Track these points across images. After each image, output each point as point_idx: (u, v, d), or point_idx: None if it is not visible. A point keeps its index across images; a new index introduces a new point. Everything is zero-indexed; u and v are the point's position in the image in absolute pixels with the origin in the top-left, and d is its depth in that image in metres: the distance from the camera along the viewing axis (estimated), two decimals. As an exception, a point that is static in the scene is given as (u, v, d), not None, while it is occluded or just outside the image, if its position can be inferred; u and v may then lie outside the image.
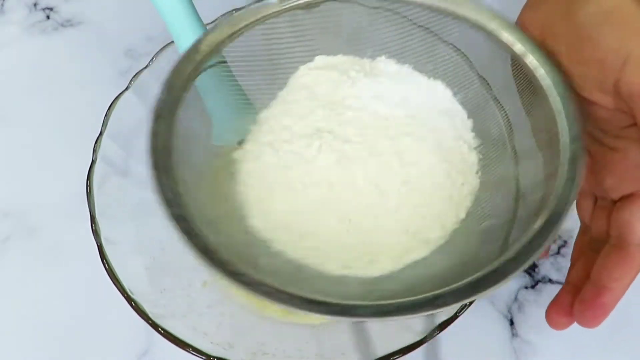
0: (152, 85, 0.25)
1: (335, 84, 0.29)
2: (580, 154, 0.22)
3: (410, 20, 0.28)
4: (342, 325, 0.29)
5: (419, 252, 0.25)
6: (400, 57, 0.29)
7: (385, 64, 0.30)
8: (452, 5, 0.27)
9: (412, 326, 0.26)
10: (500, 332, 0.32)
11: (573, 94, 0.24)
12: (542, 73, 0.24)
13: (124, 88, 0.31)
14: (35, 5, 0.44)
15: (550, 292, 0.33)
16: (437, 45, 0.29)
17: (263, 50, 0.29)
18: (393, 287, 0.23)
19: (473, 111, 0.28)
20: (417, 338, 0.25)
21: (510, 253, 0.21)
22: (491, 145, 0.27)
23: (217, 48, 0.26)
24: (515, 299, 0.33)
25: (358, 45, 0.30)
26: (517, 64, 0.26)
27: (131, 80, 0.31)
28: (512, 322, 0.32)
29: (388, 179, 0.27)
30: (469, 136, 0.28)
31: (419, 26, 0.28)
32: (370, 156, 0.27)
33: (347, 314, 0.20)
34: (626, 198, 0.24)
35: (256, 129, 0.29)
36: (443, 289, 0.20)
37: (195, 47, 0.26)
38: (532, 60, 0.25)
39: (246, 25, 0.27)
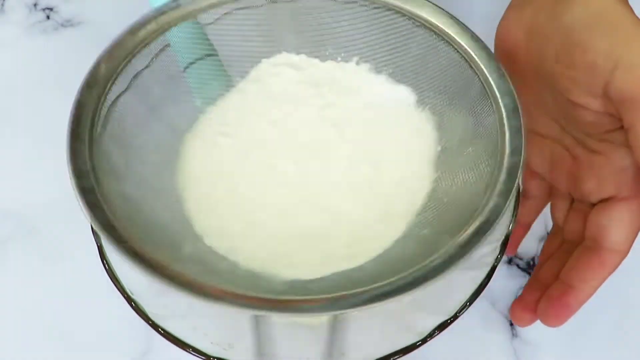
0: (152, 85, 0.25)
1: (290, 83, 0.29)
2: (518, 168, 0.22)
3: (410, 19, 0.28)
4: (342, 325, 0.29)
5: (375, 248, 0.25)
6: (397, 56, 0.29)
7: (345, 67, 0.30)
8: (410, 5, 0.27)
9: (412, 326, 0.26)
10: (500, 332, 0.32)
11: (519, 105, 0.24)
12: (491, 81, 0.24)
13: (124, 88, 0.31)
14: (35, 5, 0.44)
15: (550, 292, 0.33)
16: (436, 45, 0.29)
17: (223, 36, 0.28)
18: (359, 275, 0.23)
19: (472, 110, 0.28)
20: (417, 338, 0.25)
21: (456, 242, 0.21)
22: (489, 144, 0.27)
23: (164, 28, 0.26)
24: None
25: (336, 43, 0.30)
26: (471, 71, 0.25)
27: (131, 80, 0.31)
28: (512, 322, 0.32)
29: (330, 172, 0.27)
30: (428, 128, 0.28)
31: (419, 25, 0.28)
32: (315, 152, 0.27)
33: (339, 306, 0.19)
34: (605, 201, 0.24)
35: (204, 117, 0.29)
36: (416, 267, 0.20)
37: (143, 21, 0.25)
38: (483, 68, 0.25)
39: (205, 7, 0.27)
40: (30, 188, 0.36)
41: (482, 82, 0.25)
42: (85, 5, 0.44)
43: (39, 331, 0.32)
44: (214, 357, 0.25)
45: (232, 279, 0.23)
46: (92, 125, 0.23)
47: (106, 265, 0.26)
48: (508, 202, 0.21)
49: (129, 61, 0.25)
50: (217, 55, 0.28)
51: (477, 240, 0.20)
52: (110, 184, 0.22)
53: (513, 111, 0.23)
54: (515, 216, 0.27)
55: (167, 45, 0.29)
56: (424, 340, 0.25)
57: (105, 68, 0.24)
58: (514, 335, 0.32)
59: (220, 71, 0.29)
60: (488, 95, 0.24)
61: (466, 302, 0.25)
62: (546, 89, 0.25)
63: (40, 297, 0.33)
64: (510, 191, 0.22)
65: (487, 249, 0.26)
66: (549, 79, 0.24)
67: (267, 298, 0.19)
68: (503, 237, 0.26)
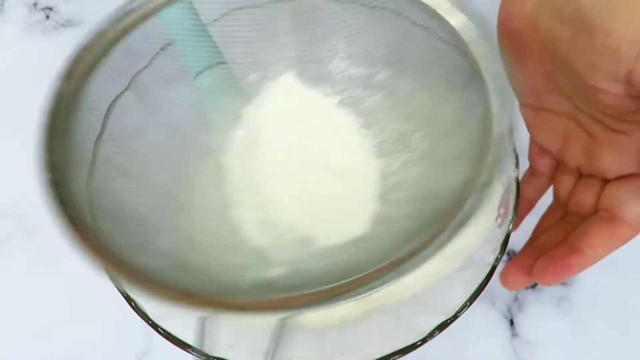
0: (152, 85, 0.25)
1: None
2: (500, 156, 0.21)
3: (410, 19, 0.28)
4: (342, 326, 0.29)
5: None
6: (397, 56, 0.29)
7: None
8: None
9: (412, 326, 0.26)
10: (500, 332, 0.32)
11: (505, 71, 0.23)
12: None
13: (124, 88, 0.31)
14: (35, 5, 0.44)
15: (551, 292, 0.33)
16: (437, 45, 0.29)
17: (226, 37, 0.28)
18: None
19: (473, 111, 0.28)
20: (417, 338, 0.25)
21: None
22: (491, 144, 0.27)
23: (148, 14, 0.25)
24: (515, 299, 0.32)
25: (343, 43, 0.29)
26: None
27: (131, 80, 0.31)
28: (512, 322, 0.32)
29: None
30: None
31: (419, 25, 0.28)
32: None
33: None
34: (624, 178, 0.24)
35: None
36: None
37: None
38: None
39: None
40: (30, 188, 0.36)
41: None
42: (85, 5, 0.44)
43: (38, 331, 0.32)
44: (214, 357, 0.25)
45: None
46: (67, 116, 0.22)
47: (106, 265, 0.26)
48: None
49: (109, 51, 0.24)
50: (225, 62, 0.29)
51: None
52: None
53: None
54: (516, 214, 0.27)
55: (168, 44, 0.29)
56: (424, 340, 0.25)
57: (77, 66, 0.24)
58: (514, 335, 0.32)
59: (229, 76, 0.29)
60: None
61: (466, 302, 0.25)
62: (559, 71, 0.25)
63: (40, 297, 0.33)
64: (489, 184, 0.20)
65: (487, 249, 0.27)
66: (563, 62, 0.24)
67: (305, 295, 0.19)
68: (503, 237, 0.26)
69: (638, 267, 0.33)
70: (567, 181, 0.27)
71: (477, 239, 0.27)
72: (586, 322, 0.32)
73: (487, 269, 0.26)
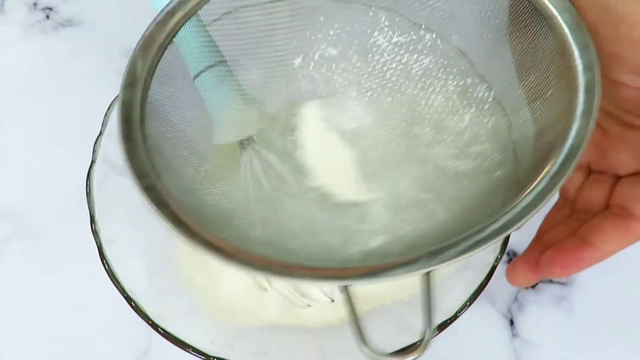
0: (153, 85, 0.25)
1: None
2: (595, 83, 0.21)
3: (410, 19, 0.28)
4: (342, 326, 0.29)
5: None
6: (396, 56, 0.29)
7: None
8: None
9: (412, 326, 0.26)
10: (500, 332, 0.32)
11: (581, 21, 0.22)
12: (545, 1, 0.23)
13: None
14: (35, 5, 0.44)
15: (550, 292, 0.33)
16: (437, 45, 0.29)
17: (227, 37, 0.28)
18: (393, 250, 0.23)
19: (473, 111, 0.28)
20: (417, 338, 0.25)
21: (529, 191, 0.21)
22: (491, 145, 0.27)
23: (191, 13, 0.25)
24: (515, 299, 0.32)
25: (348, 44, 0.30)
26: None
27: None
28: (512, 322, 0.32)
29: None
30: None
31: (419, 25, 0.28)
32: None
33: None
34: (638, 174, 0.24)
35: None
36: (462, 235, 0.20)
37: (170, 11, 0.25)
38: None
39: None
40: (30, 188, 0.36)
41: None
42: (85, 5, 0.44)
43: (38, 331, 0.32)
44: (214, 357, 0.25)
45: (306, 255, 0.23)
46: (141, 123, 0.22)
47: (106, 265, 0.26)
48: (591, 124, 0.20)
49: (163, 53, 0.24)
50: (225, 61, 0.29)
51: (566, 168, 0.20)
52: (168, 179, 0.21)
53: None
54: None
55: (168, 44, 0.29)
56: (424, 340, 0.25)
57: (142, 64, 0.23)
58: (514, 335, 0.32)
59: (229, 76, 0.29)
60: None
61: (466, 302, 0.25)
62: None
63: (40, 297, 0.33)
64: (592, 111, 0.21)
65: (487, 249, 0.26)
66: None
67: (353, 267, 0.19)
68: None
69: (638, 267, 0.33)
70: (575, 177, 0.27)
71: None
72: (586, 322, 0.32)
73: (487, 269, 0.26)
